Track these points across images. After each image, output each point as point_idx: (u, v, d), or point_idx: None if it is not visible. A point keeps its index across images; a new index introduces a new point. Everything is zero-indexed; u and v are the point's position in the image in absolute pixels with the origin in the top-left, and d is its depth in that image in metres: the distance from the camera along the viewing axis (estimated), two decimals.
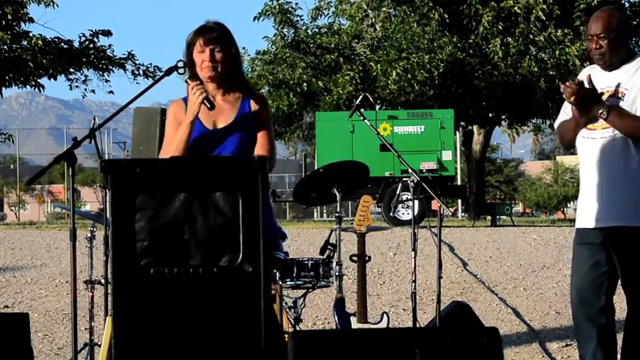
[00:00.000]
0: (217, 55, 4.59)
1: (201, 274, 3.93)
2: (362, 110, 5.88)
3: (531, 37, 25.67)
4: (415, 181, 5.54)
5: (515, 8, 25.27)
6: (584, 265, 4.81)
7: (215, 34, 4.59)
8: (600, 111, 4.69)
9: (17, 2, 27.14)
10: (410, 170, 5.49)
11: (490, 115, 28.47)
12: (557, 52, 25.65)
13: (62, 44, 28.65)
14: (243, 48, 27.70)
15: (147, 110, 7.05)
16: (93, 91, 30.18)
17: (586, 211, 4.81)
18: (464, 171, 40.94)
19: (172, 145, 4.59)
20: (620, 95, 4.74)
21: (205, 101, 4.52)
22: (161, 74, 4.56)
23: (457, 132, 30.91)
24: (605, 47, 4.75)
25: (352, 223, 6.21)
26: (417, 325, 5.67)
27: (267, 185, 4.17)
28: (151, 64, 30.05)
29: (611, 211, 4.69)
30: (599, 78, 4.82)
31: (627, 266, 4.70)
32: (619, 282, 4.79)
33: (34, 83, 28.75)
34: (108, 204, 4.96)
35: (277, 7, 27.26)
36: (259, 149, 4.63)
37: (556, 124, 5.04)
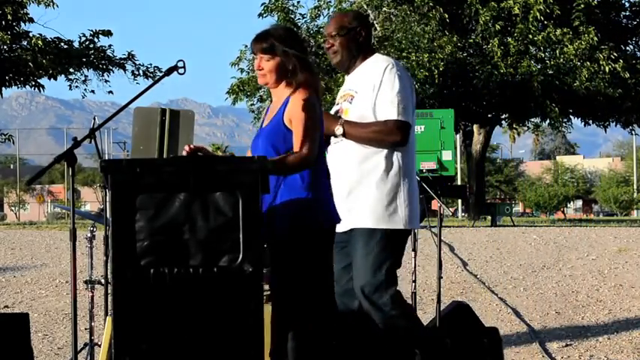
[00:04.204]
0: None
1: (201, 274, 3.93)
2: None
3: (530, 36, 25.68)
4: None
5: (515, 8, 25.27)
6: (337, 270, 4.69)
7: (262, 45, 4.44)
8: (336, 128, 4.65)
9: (17, 2, 27.15)
10: None
11: (490, 115, 28.46)
12: (556, 52, 25.66)
13: (62, 44, 28.66)
14: (245, 46, 27.67)
15: (147, 110, 7.06)
16: (93, 91, 30.22)
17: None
18: (464, 171, 40.94)
19: None
20: (349, 99, 4.71)
21: None
22: (161, 74, 4.55)
23: (457, 132, 30.90)
24: (337, 46, 4.73)
25: None
26: None
27: (268, 185, 4.16)
28: (151, 64, 30.12)
29: (348, 214, 4.63)
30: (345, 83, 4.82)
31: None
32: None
33: (34, 83, 28.76)
34: (108, 204, 4.95)
35: (278, 5, 27.25)
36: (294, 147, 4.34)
37: None
